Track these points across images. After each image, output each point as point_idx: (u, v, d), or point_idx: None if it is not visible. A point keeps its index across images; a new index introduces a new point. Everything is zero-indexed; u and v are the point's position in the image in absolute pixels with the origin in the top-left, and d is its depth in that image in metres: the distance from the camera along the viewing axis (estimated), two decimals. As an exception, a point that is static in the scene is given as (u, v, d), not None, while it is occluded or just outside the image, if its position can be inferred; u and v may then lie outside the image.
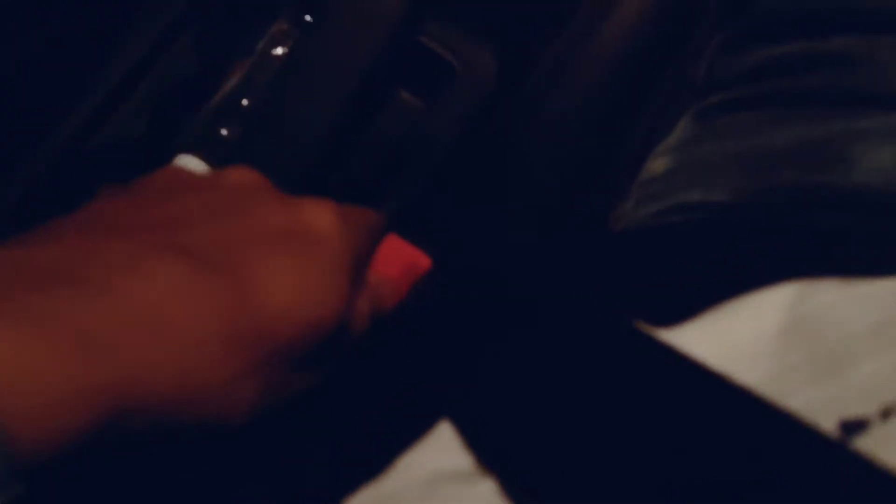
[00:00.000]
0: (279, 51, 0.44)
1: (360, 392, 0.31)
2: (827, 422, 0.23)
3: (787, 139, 0.33)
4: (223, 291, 0.25)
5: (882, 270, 0.26)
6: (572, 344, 0.28)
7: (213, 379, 0.24)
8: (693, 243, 0.32)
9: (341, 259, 0.28)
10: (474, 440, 0.27)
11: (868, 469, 0.21)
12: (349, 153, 0.43)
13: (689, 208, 0.35)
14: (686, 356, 0.26)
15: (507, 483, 0.26)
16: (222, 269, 0.25)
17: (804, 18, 0.35)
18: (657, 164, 0.38)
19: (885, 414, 0.22)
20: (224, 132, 0.44)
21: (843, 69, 0.33)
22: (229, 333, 0.25)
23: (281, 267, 0.26)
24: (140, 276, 0.24)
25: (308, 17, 0.44)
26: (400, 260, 0.35)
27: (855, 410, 0.23)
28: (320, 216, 0.28)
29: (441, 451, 0.27)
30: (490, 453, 0.27)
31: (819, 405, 0.24)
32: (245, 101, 0.44)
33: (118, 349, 0.22)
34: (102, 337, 0.22)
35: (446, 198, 0.42)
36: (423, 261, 0.36)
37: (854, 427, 0.22)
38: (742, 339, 0.27)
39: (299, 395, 0.28)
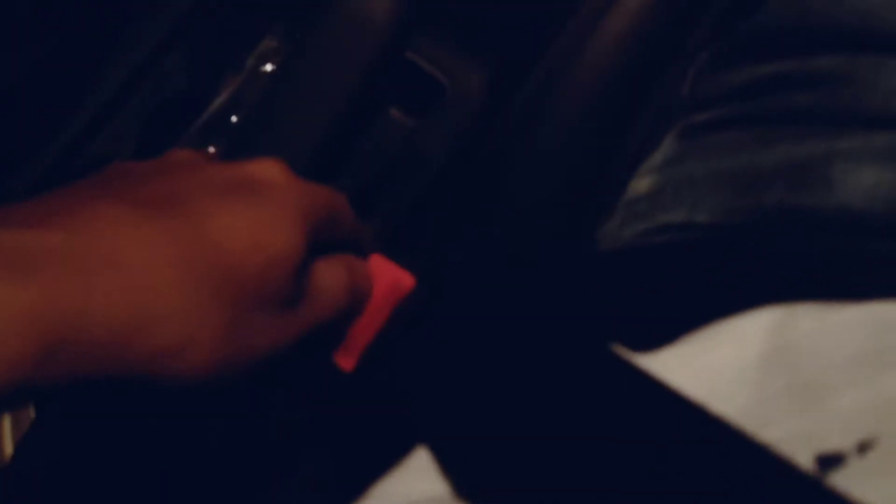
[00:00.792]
0: (269, 67, 0.45)
1: (336, 416, 0.31)
2: (803, 455, 0.22)
3: (770, 159, 0.33)
4: (169, 226, 0.25)
5: (864, 293, 0.26)
6: (551, 369, 0.28)
7: (166, 303, 0.24)
8: (676, 265, 0.32)
9: (290, 203, 0.29)
10: (451, 466, 0.27)
11: (842, 506, 0.20)
12: (338, 170, 0.43)
13: (673, 228, 0.35)
14: (663, 384, 0.25)
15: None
16: (170, 211, 0.26)
17: (788, 38, 0.35)
18: (642, 184, 0.37)
19: (862, 448, 0.22)
20: (212, 149, 0.44)
21: (826, 89, 0.33)
22: (178, 258, 0.25)
23: (229, 207, 0.27)
24: (81, 216, 0.24)
25: (298, 34, 0.44)
26: (384, 279, 0.35)
27: (832, 444, 0.22)
28: (267, 168, 0.29)
29: (417, 477, 0.27)
30: (467, 479, 0.26)
31: (796, 437, 0.23)
32: (234, 118, 0.44)
33: (56, 275, 0.22)
34: (37, 265, 0.22)
35: (432, 216, 0.42)
36: (407, 280, 0.35)
37: (830, 461, 0.22)
38: (722, 366, 0.26)
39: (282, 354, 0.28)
